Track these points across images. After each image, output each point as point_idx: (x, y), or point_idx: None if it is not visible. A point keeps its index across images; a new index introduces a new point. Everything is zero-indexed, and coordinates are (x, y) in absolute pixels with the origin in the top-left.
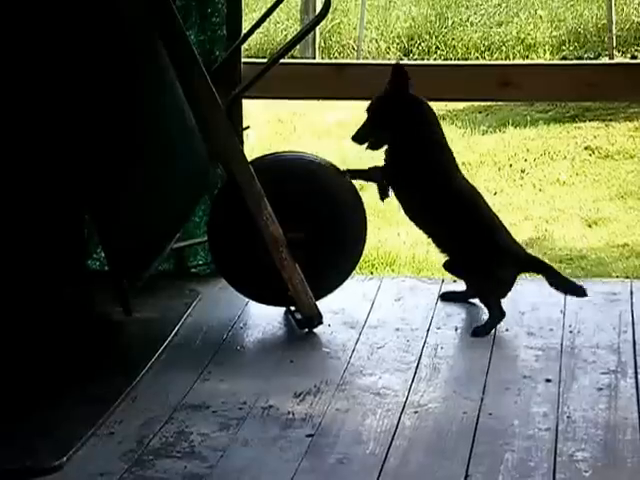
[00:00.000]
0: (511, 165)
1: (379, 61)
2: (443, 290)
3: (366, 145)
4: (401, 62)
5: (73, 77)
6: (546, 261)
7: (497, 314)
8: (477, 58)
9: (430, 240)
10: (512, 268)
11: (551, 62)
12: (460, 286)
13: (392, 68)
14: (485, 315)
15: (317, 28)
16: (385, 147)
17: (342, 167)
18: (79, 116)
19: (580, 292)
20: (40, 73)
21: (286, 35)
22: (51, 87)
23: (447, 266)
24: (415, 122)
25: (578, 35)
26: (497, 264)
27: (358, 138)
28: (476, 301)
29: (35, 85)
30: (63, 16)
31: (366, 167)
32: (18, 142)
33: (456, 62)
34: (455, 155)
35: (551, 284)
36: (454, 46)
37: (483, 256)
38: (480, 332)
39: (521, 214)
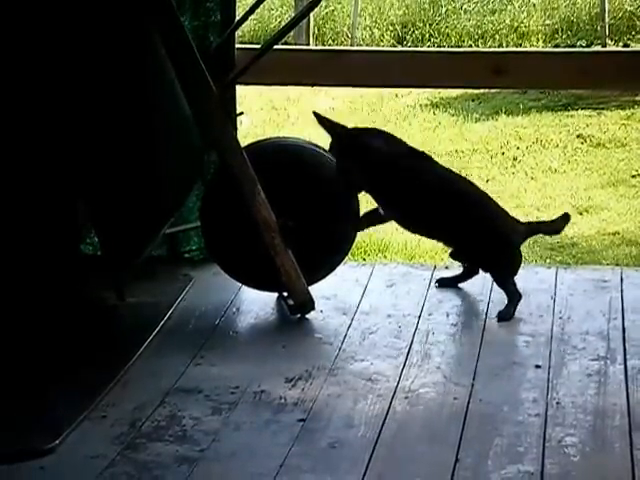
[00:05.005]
0: (503, 153)
1: (372, 48)
2: (435, 277)
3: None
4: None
5: (67, 64)
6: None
7: (516, 295)
8: (470, 46)
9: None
10: (516, 246)
11: (544, 49)
12: (454, 271)
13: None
14: (476, 301)
15: (311, 15)
16: None
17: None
18: (73, 103)
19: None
20: (35, 63)
21: (280, 21)
22: (45, 74)
23: (454, 255)
24: (368, 151)
25: (571, 24)
26: (502, 250)
27: (352, 188)
28: (468, 286)
29: (31, 74)
30: (59, 6)
31: None
32: (12, 128)
33: (449, 49)
34: (448, 143)
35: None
36: (447, 34)
37: (488, 245)
38: (505, 315)
39: (513, 202)
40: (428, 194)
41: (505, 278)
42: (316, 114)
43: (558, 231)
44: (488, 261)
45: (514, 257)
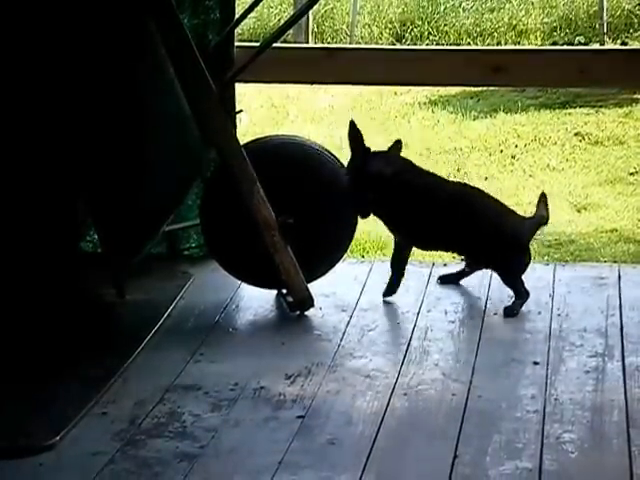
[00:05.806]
0: (502, 151)
1: (371, 45)
2: (434, 274)
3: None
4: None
5: (67, 63)
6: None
7: (524, 294)
8: (469, 44)
9: None
10: (525, 247)
11: (543, 47)
12: (454, 268)
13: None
14: (474, 298)
15: (310, 13)
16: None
17: (335, 151)
18: (73, 102)
19: None
20: (36, 62)
21: (279, 19)
22: (46, 74)
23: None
24: (384, 172)
25: (569, 21)
26: (511, 252)
27: (364, 214)
28: (467, 283)
29: (32, 74)
30: (59, 6)
31: None
32: (12, 127)
33: (448, 47)
34: (446, 140)
35: None
36: (446, 32)
37: (496, 250)
38: (510, 312)
39: (511, 199)
40: (430, 209)
41: (513, 277)
42: (352, 124)
43: (546, 217)
44: (497, 262)
45: (522, 256)
